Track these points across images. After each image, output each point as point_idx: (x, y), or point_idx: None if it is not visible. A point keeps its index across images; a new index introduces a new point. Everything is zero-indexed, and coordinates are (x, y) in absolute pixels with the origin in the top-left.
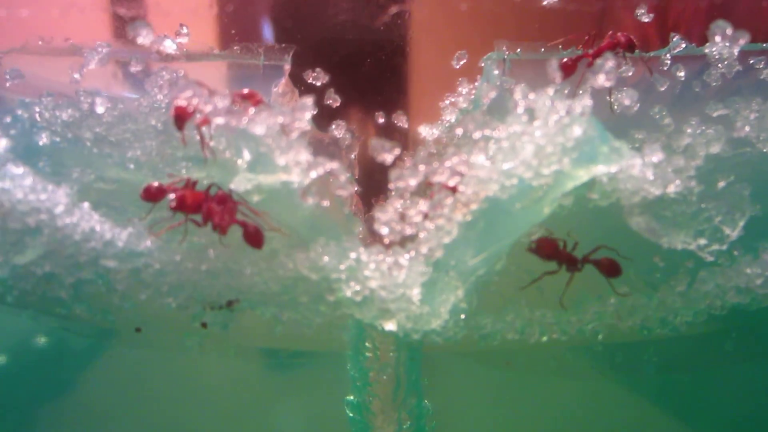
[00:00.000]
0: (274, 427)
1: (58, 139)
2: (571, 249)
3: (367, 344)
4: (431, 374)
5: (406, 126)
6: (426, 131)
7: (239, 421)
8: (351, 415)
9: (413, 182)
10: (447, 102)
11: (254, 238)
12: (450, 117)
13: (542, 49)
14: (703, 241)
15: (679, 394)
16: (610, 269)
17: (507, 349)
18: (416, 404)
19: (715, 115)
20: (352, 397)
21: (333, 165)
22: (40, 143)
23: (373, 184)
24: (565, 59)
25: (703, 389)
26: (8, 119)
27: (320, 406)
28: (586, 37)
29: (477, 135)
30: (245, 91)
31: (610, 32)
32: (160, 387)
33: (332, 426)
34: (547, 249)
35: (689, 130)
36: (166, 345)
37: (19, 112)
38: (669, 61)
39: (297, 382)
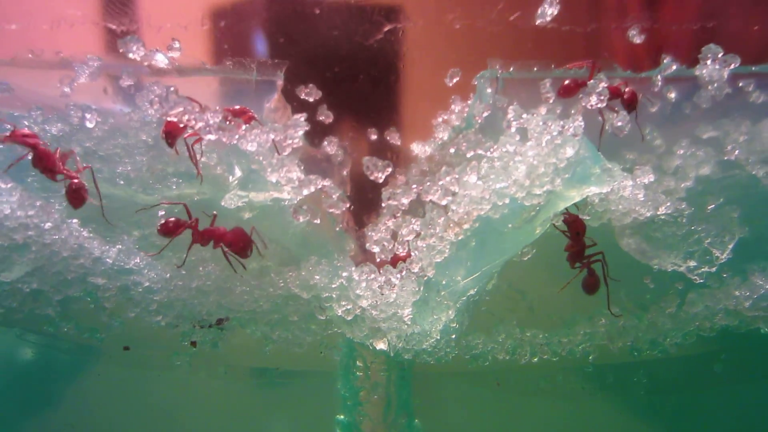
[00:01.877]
0: None
1: None
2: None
3: (358, 363)
4: (422, 394)
5: (398, 143)
6: (418, 148)
7: None
8: None
9: (405, 201)
10: (440, 119)
11: (72, 195)
12: (442, 134)
13: (535, 68)
14: (692, 263)
15: (669, 416)
16: (589, 286)
17: (498, 369)
18: (407, 424)
19: (705, 137)
20: (342, 417)
21: (325, 182)
22: (29, 157)
23: (365, 200)
24: (567, 81)
25: (693, 411)
26: None
27: (310, 426)
28: (588, 64)
29: (470, 154)
30: (237, 107)
31: (623, 82)
32: (148, 406)
33: None
34: (578, 226)
35: (680, 152)
36: (154, 364)
37: (8, 125)
38: (660, 83)
39: (287, 402)
